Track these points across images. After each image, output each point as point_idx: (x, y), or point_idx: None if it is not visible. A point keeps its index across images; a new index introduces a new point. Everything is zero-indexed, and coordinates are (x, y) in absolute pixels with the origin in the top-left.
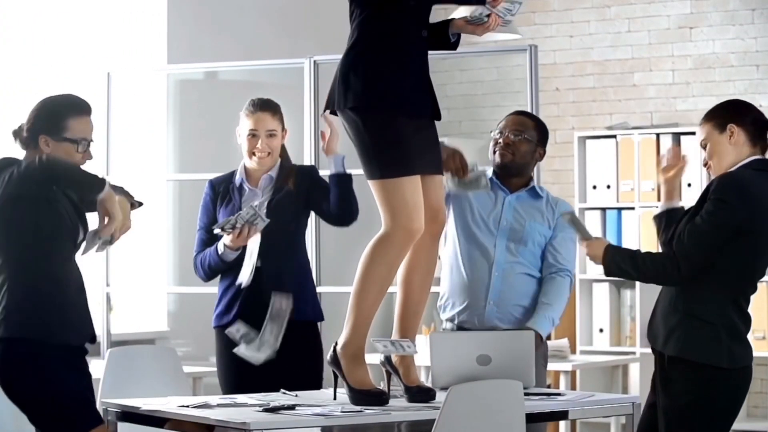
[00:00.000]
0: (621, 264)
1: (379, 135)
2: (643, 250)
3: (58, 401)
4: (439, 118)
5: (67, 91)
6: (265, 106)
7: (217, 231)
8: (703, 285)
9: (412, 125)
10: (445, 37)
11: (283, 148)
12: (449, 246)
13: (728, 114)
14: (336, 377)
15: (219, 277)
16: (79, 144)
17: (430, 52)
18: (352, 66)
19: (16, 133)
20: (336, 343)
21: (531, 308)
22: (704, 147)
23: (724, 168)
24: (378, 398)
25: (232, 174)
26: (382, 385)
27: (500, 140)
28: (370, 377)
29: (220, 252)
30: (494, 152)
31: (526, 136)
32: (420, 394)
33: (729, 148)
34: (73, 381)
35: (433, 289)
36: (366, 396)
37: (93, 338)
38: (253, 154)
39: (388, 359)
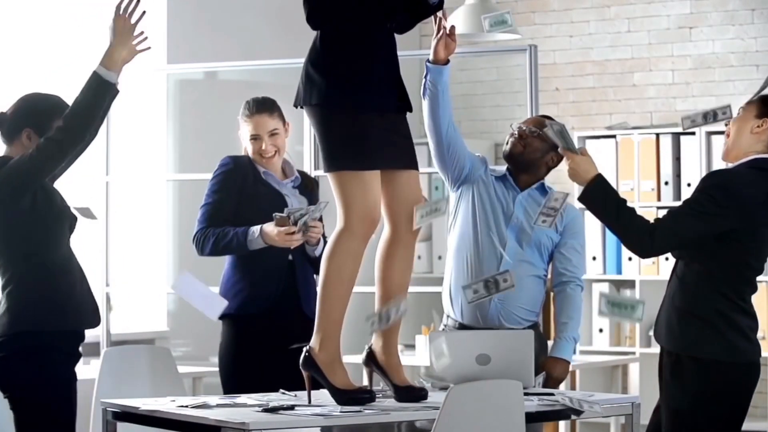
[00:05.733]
0: (605, 201)
1: (338, 130)
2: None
3: (52, 400)
4: (409, 110)
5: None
6: (261, 107)
7: (279, 216)
8: (699, 284)
9: (377, 120)
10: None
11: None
12: (457, 235)
13: None
14: (312, 380)
15: (229, 266)
16: None
17: (427, 49)
18: (313, 62)
19: None
20: (309, 347)
21: (536, 310)
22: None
23: (733, 149)
24: (369, 398)
25: (249, 160)
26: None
27: (515, 132)
28: (349, 377)
29: (250, 238)
30: (507, 143)
31: (542, 135)
32: (410, 394)
33: (748, 134)
34: (70, 384)
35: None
36: (354, 396)
37: (98, 320)
38: (260, 156)
39: (373, 360)
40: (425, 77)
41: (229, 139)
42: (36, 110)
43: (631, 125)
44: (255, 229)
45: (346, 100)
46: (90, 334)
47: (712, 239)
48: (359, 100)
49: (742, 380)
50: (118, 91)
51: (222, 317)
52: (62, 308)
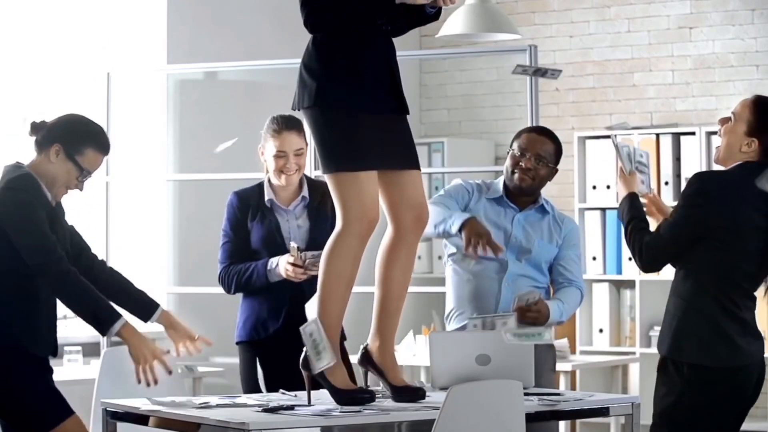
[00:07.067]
0: (625, 218)
1: (330, 131)
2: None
3: (25, 401)
4: (406, 112)
5: (88, 106)
6: (290, 125)
7: (294, 246)
8: (687, 287)
9: (372, 121)
10: (422, 10)
11: None
12: (452, 263)
13: (762, 126)
14: (312, 380)
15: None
16: (83, 173)
17: (427, 49)
18: (306, 64)
19: (36, 128)
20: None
21: None
22: (730, 120)
23: (724, 160)
24: (369, 398)
25: (258, 189)
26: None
27: (521, 162)
28: (347, 377)
29: (269, 268)
30: (512, 172)
31: (548, 163)
32: (407, 394)
33: (737, 152)
34: (37, 380)
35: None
36: (354, 396)
37: (55, 350)
38: (281, 172)
39: (369, 360)
40: (450, 237)
41: (229, 139)
42: (72, 130)
43: (631, 125)
44: (273, 261)
45: (337, 101)
46: (90, 334)
47: (697, 241)
48: (350, 101)
49: (723, 386)
50: (103, 334)
51: (237, 343)
52: (19, 334)
